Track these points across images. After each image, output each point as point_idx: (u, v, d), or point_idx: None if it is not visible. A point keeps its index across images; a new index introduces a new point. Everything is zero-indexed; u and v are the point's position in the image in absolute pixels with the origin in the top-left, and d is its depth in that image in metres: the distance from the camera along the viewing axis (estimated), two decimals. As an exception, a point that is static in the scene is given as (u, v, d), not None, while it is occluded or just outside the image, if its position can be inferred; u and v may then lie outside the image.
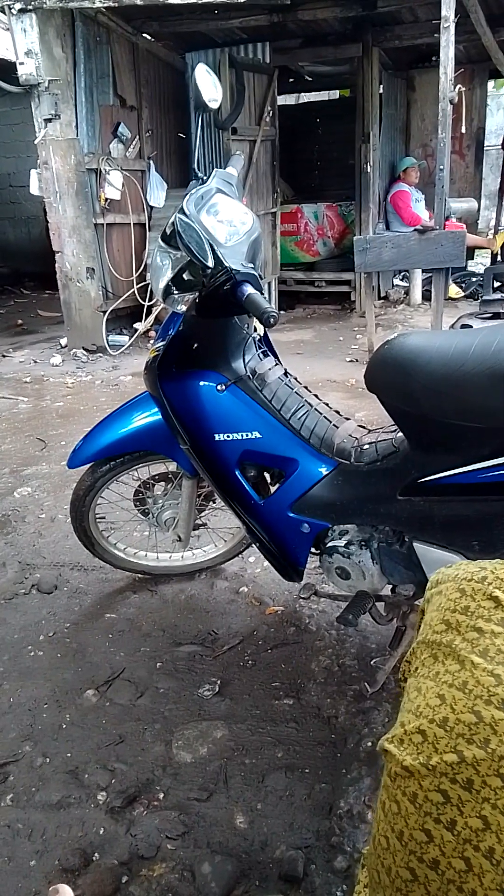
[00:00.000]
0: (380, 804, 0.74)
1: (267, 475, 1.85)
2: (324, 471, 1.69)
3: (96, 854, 1.38)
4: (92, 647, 2.03)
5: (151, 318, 6.02)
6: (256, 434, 1.68)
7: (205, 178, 1.71)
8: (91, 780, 1.56)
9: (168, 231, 1.58)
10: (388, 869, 0.71)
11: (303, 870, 1.32)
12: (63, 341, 6.06)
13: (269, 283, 7.01)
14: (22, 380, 5.13)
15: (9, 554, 2.57)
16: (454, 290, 7.19)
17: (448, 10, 4.28)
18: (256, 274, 1.52)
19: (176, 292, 1.62)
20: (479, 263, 8.14)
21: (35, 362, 5.67)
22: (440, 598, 0.82)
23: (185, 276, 1.59)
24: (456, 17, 4.34)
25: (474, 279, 7.43)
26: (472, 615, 0.76)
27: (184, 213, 1.49)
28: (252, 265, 1.54)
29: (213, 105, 1.74)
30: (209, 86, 1.72)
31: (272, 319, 1.37)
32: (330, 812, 1.45)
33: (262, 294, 1.45)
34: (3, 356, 5.90)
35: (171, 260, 1.61)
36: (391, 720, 1.67)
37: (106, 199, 5.71)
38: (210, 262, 1.46)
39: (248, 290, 1.42)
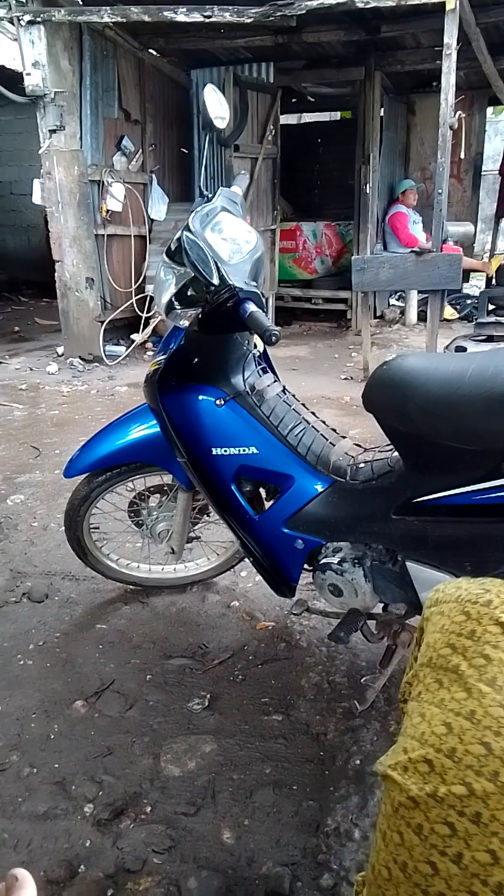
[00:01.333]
0: (379, 833, 0.73)
1: (262, 490, 1.87)
2: (319, 488, 1.71)
3: (82, 866, 1.38)
4: (82, 658, 2.02)
5: (149, 329, 6.05)
6: (253, 449, 1.70)
7: (210, 196, 1.74)
8: (78, 792, 1.55)
9: (173, 247, 1.60)
10: None
11: (289, 887, 1.32)
12: (60, 350, 6.08)
13: (267, 300, 7.05)
14: (17, 387, 5.13)
15: (0, 561, 2.57)
16: (449, 312, 7.28)
17: (450, 38, 4.37)
18: (259, 292, 1.54)
19: (179, 307, 1.64)
20: (475, 286, 8.25)
21: (31, 370, 5.68)
22: (442, 619, 0.81)
23: (188, 291, 1.61)
24: (458, 44, 4.44)
25: (469, 301, 7.52)
26: (478, 640, 0.75)
27: (190, 231, 1.51)
28: (255, 283, 1.56)
29: (220, 124, 1.77)
30: (216, 105, 1.75)
31: (274, 338, 1.39)
32: (317, 829, 1.45)
33: (264, 312, 1.47)
34: (0, 363, 5.91)
35: (174, 275, 1.63)
36: (380, 738, 1.68)
37: (107, 211, 5.76)
38: (215, 280, 1.48)
39: (251, 307, 1.44)
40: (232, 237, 1.61)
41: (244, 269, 1.57)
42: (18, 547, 2.68)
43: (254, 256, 1.61)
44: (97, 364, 5.80)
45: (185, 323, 1.67)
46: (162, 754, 1.65)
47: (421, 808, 0.67)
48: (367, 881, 0.77)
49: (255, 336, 1.73)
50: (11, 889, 0.57)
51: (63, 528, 2.14)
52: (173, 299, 1.64)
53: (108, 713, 1.80)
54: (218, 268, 1.48)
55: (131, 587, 2.35)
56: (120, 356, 5.88)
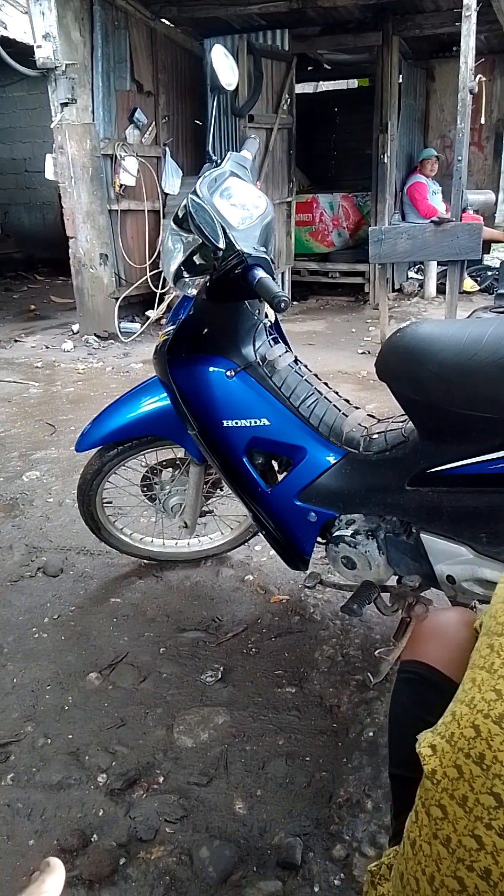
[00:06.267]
0: (420, 807, 0.71)
1: (275, 463, 1.84)
2: (332, 459, 1.68)
3: (95, 835, 1.39)
4: (96, 631, 2.03)
5: (164, 305, 6.01)
6: (265, 421, 1.67)
7: (219, 161, 1.69)
8: (92, 762, 1.56)
9: (180, 214, 1.56)
10: (431, 877, 0.67)
11: (301, 857, 1.32)
12: (75, 327, 6.06)
13: (283, 273, 6.97)
14: (33, 365, 5.14)
15: (16, 537, 2.58)
16: (469, 284, 7.13)
17: (470, -2, 4.21)
18: (268, 258, 1.50)
19: (187, 276, 1.60)
20: (496, 257, 8.06)
21: (47, 348, 5.68)
22: None
23: (196, 259, 1.57)
24: (478, 5, 4.28)
25: (490, 273, 7.35)
26: None
27: (196, 196, 1.47)
28: (264, 249, 1.52)
29: (229, 88, 1.71)
30: (225, 68, 1.70)
31: (283, 304, 1.36)
32: (329, 800, 1.44)
33: (273, 279, 1.43)
34: (16, 341, 5.91)
35: (182, 243, 1.59)
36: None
37: (121, 186, 5.69)
38: (222, 245, 1.44)
39: (260, 273, 1.41)
40: (241, 202, 1.57)
41: (253, 234, 1.52)
42: (34, 522, 2.69)
43: (263, 222, 1.57)
44: (112, 341, 5.78)
45: (193, 291, 1.64)
46: (175, 725, 1.66)
47: (465, 779, 0.65)
48: (399, 858, 0.74)
49: (266, 306, 1.69)
50: (44, 872, 0.64)
51: (77, 503, 2.14)
52: (181, 267, 1.60)
53: (122, 685, 1.81)
54: (225, 232, 1.44)
55: (145, 561, 2.35)
56: (135, 333, 5.86)
